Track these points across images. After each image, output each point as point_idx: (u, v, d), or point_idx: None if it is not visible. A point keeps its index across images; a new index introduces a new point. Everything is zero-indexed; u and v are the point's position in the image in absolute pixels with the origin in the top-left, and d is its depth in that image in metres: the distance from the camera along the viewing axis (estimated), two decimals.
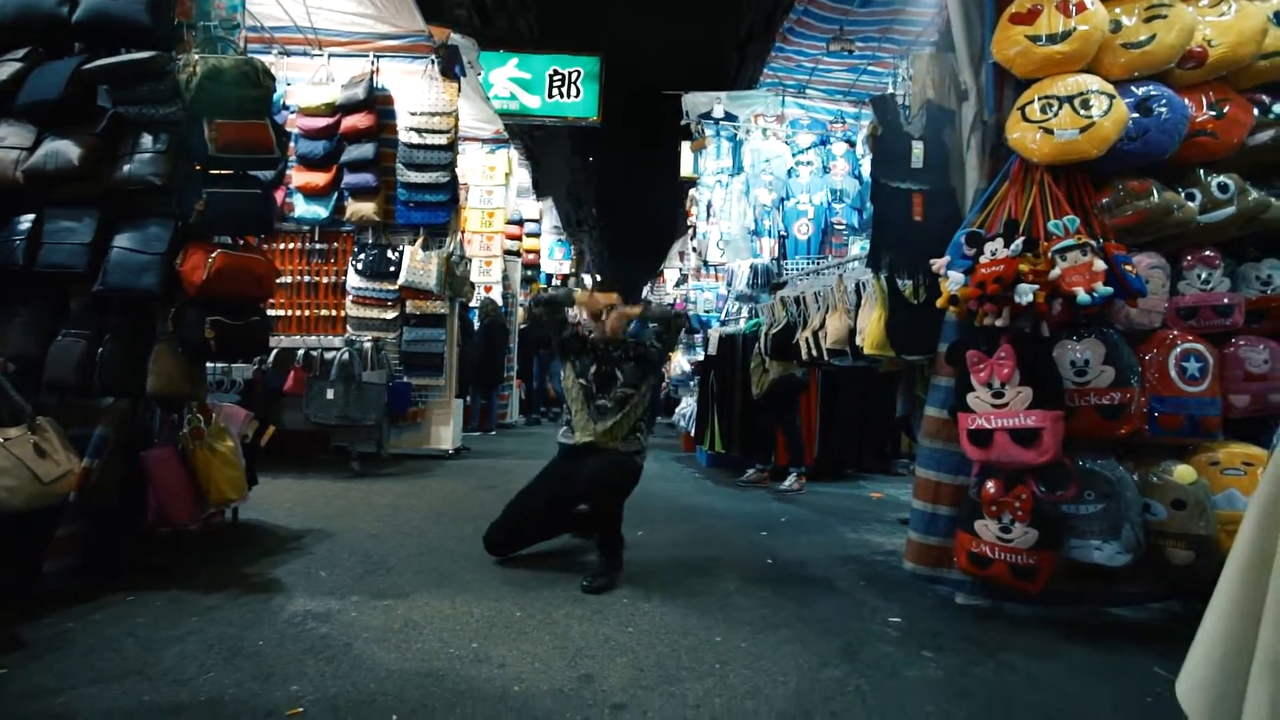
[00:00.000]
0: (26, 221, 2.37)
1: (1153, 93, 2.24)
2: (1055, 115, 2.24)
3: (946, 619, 2.51)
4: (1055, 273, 2.07)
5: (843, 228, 6.25)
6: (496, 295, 8.38)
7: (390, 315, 5.50)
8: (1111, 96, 2.21)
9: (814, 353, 3.41)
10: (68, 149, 2.31)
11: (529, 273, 11.12)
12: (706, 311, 7.07)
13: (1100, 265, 2.05)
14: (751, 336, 5.22)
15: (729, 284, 6.50)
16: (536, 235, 11.76)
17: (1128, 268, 2.12)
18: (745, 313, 5.91)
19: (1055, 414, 2.17)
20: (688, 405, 6.54)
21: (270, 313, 5.33)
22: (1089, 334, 2.23)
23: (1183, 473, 2.23)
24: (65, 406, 2.47)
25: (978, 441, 2.31)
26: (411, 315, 5.57)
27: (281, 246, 5.44)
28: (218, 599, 2.40)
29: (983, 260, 2.20)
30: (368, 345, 5.08)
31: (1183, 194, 2.29)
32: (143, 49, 2.39)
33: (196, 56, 2.39)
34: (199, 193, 2.39)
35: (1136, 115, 2.23)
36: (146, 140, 2.36)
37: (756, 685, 1.96)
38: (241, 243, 2.56)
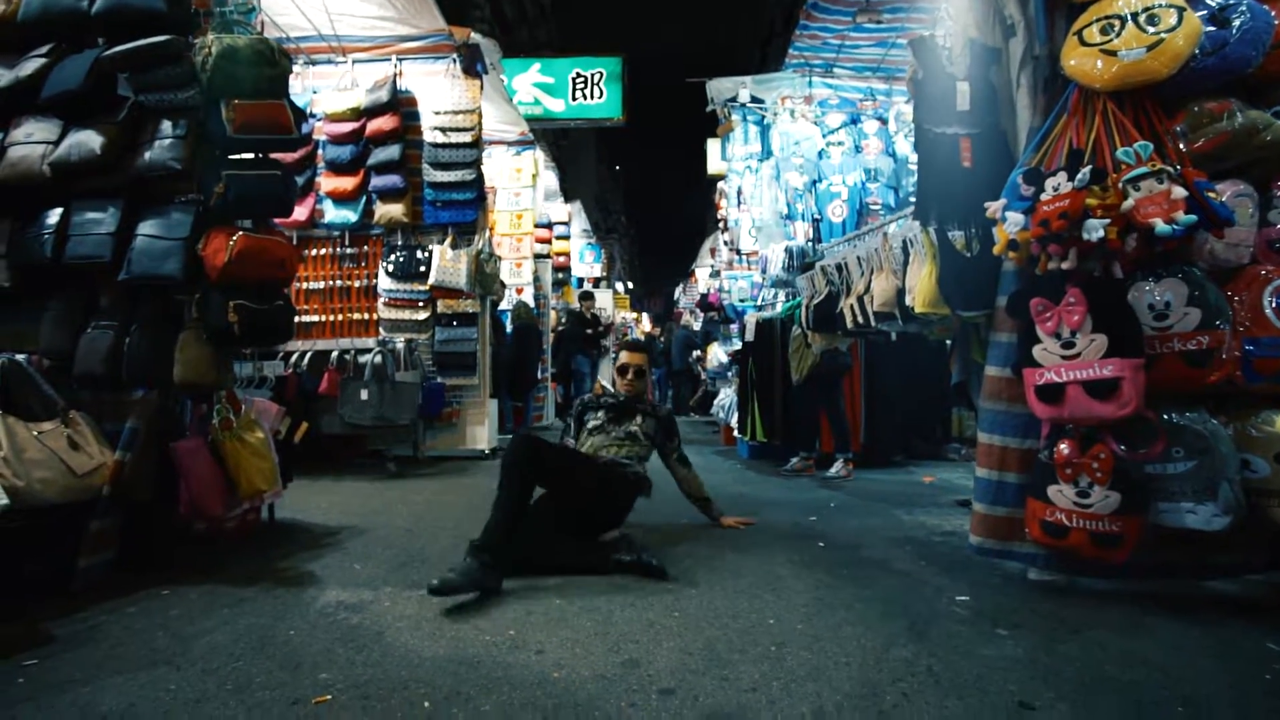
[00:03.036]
0: (54, 216, 2.38)
1: (1230, 1, 2.02)
2: (1118, 35, 2.04)
3: (1019, 596, 2.31)
4: (1128, 204, 1.87)
5: (878, 207, 6.03)
6: (528, 297, 8.35)
7: (422, 316, 5.48)
8: (1181, 9, 2.00)
9: (860, 320, 3.22)
10: (90, 139, 2.31)
11: (559, 275, 11.08)
12: (742, 300, 6.90)
13: (1180, 192, 1.84)
14: (789, 320, 5.04)
15: (763, 270, 6.33)
16: (566, 238, 11.73)
17: (1211, 194, 1.90)
18: (781, 298, 5.73)
19: (1135, 362, 1.96)
20: (726, 396, 6.37)
21: (305, 319, 5.40)
22: (1169, 274, 2.01)
23: None
24: (99, 401, 2.46)
25: (1047, 398, 2.11)
26: (443, 315, 5.54)
27: (313, 253, 5.48)
28: (251, 591, 2.34)
29: (1044, 198, 2.00)
30: (400, 346, 5.06)
31: (1269, 112, 2.05)
32: (161, 36, 2.37)
33: (212, 38, 2.36)
34: (219, 176, 2.36)
35: (1212, 28, 2.01)
36: (166, 126, 2.35)
37: (817, 667, 1.80)
38: (264, 226, 2.52)
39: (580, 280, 13.65)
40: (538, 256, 9.06)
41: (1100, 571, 2.29)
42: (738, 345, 6.53)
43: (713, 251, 11.04)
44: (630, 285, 32.05)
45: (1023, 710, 1.57)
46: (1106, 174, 1.95)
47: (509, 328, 7.94)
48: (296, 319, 5.23)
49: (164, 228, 2.33)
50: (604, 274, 15.83)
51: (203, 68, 2.33)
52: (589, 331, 9.35)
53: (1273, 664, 1.79)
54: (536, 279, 8.64)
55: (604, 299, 12.65)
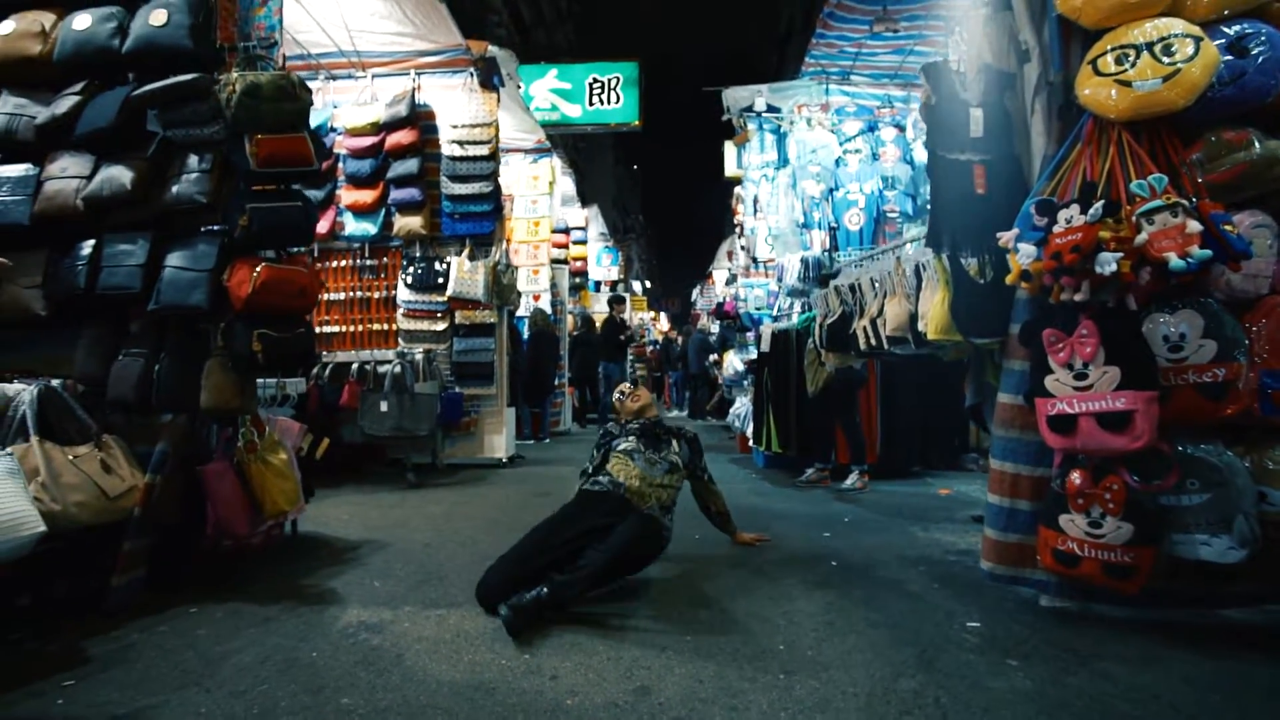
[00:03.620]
0: (87, 248, 2.48)
1: (1248, 30, 2.00)
2: (1133, 65, 2.03)
3: (1030, 624, 2.31)
4: (1141, 238, 1.86)
5: (896, 215, 5.99)
6: (545, 304, 8.42)
7: (440, 327, 5.57)
8: (1198, 39, 1.99)
9: (873, 342, 3.22)
10: (121, 174, 2.41)
11: (577, 280, 11.15)
12: (758, 309, 6.90)
13: (1195, 226, 1.83)
14: (805, 332, 5.03)
15: (779, 279, 6.32)
16: (583, 242, 11.79)
17: (1228, 228, 1.89)
18: (797, 308, 5.73)
19: (1148, 394, 1.95)
20: (742, 406, 6.38)
21: (325, 329, 5.51)
22: (1184, 305, 2.00)
23: None
24: (130, 425, 2.55)
25: (1059, 429, 2.11)
26: (461, 326, 5.63)
27: (334, 264, 5.59)
28: (275, 610, 2.42)
29: (1056, 229, 2.00)
30: (419, 357, 5.15)
31: None
32: (188, 73, 2.46)
33: (236, 75, 2.44)
34: (242, 208, 2.43)
35: (1230, 57, 1.99)
36: (192, 161, 2.44)
37: (825, 698, 1.82)
38: (285, 255, 2.60)
39: (597, 284, 13.72)
40: (555, 262, 9.13)
41: (1114, 599, 2.28)
42: (754, 354, 6.54)
43: (730, 254, 11.05)
44: (648, 285, 32.10)
45: None
46: (1120, 206, 1.95)
47: (526, 333, 8.02)
48: (318, 330, 5.39)
49: (190, 259, 2.42)
50: (621, 276, 15.89)
51: (227, 104, 2.41)
52: (620, 338, 9.33)
53: None
54: (553, 285, 8.71)
55: None
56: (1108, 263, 1.88)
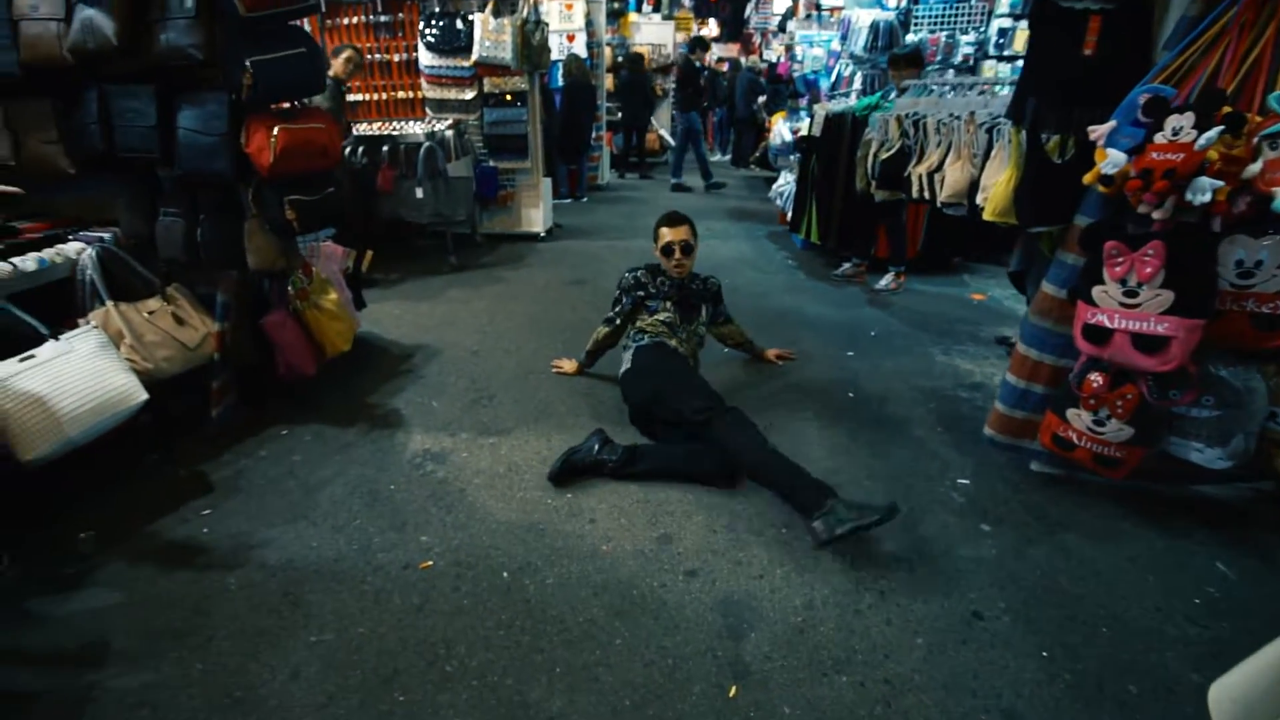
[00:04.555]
0: (94, 102, 2.32)
1: None
2: None
3: (1015, 484, 2.56)
4: (1254, 168, 1.62)
5: None
6: (580, 45, 7.53)
7: (468, 95, 5.18)
8: None
9: (926, 195, 2.98)
10: (102, 22, 2.13)
11: (615, 4, 9.71)
12: (814, 72, 6.12)
13: None
14: (862, 120, 4.57)
15: (843, 36, 5.50)
16: None
17: None
18: (859, 82, 5.09)
19: (1193, 323, 1.90)
20: (786, 183, 6.08)
21: (349, 97, 5.17)
22: (1276, 230, 1.82)
23: None
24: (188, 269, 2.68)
25: (1093, 338, 2.10)
26: (490, 95, 5.22)
27: (345, 21, 5.01)
28: (352, 435, 2.81)
29: (1158, 139, 1.73)
30: (449, 134, 4.90)
31: None
32: None
33: None
34: (242, 62, 2.18)
35: None
36: (174, 2, 2.11)
37: (817, 557, 2.17)
38: (300, 106, 2.40)
39: (638, 2, 11.92)
40: None
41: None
42: (804, 122, 6.00)
43: None
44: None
45: (974, 620, 1.95)
46: (1245, 121, 1.65)
47: (561, 80, 7.36)
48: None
49: (202, 120, 2.26)
50: None
51: None
52: (700, 83, 8.44)
53: (1206, 586, 2.06)
54: (589, 23, 7.68)
55: (662, 31, 11.15)
56: (1204, 191, 1.68)
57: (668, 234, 2.95)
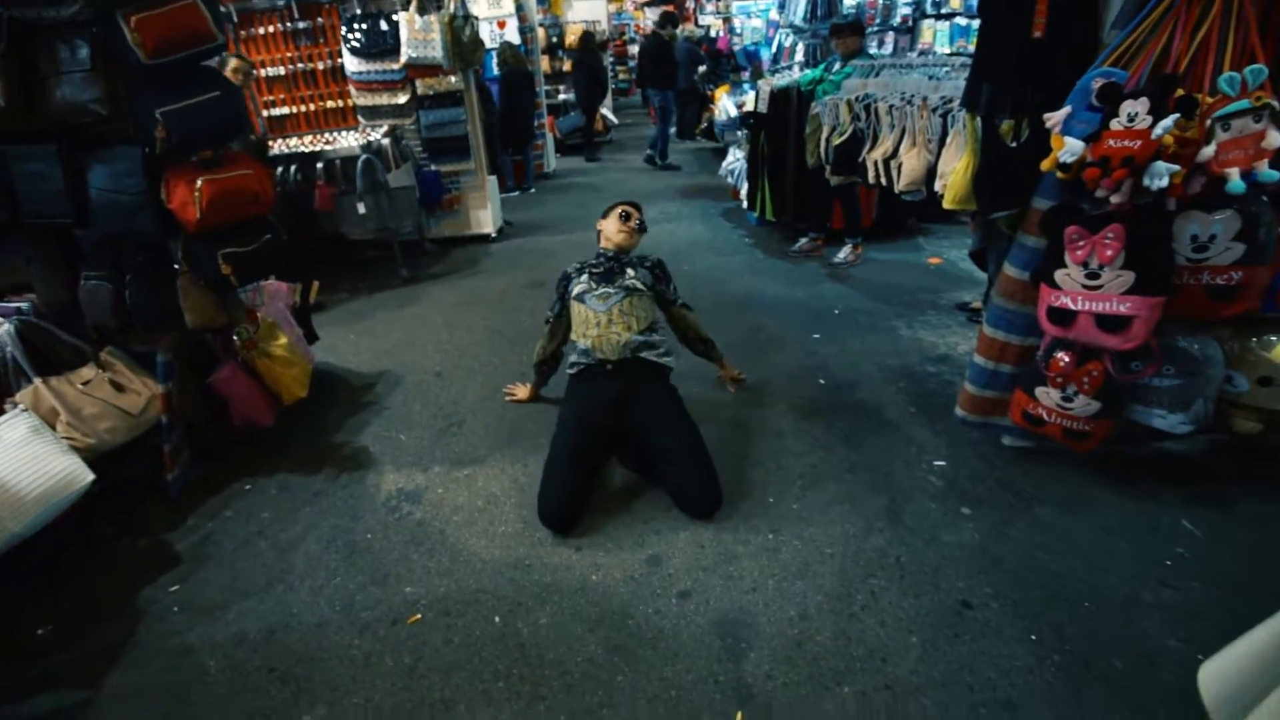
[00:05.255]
0: None
1: None
2: None
3: (990, 460, 2.61)
4: (1208, 151, 1.63)
5: None
6: (512, 31, 7.27)
7: (402, 99, 4.95)
8: None
9: (883, 181, 2.95)
10: None
11: None
12: (754, 43, 6.02)
13: (1276, 140, 1.59)
14: (808, 95, 4.52)
15: (781, 7, 5.41)
16: None
17: None
18: (801, 54, 5.03)
19: (1154, 301, 1.93)
20: (735, 160, 6.01)
21: (272, 112, 4.91)
22: (1229, 206, 1.84)
23: None
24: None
25: (1057, 320, 2.13)
26: (425, 97, 5.00)
27: (260, 31, 4.71)
28: (320, 482, 2.70)
29: (1114, 125, 1.73)
30: (386, 142, 4.69)
31: None
32: None
33: None
34: (150, 113, 2.00)
35: None
36: (65, 54, 1.91)
37: (806, 561, 2.19)
38: (223, 152, 2.22)
39: None
40: None
41: None
42: (749, 95, 5.92)
43: None
44: None
45: (963, 610, 1.98)
46: (1198, 105, 1.65)
47: (496, 70, 7.11)
48: (265, 114, 4.80)
49: (114, 179, 2.07)
50: None
51: None
52: (674, 61, 8.19)
53: (1177, 547, 2.14)
54: (519, 6, 7.40)
55: (595, 7, 10.82)
56: (1160, 176, 1.69)
57: (621, 207, 2.91)
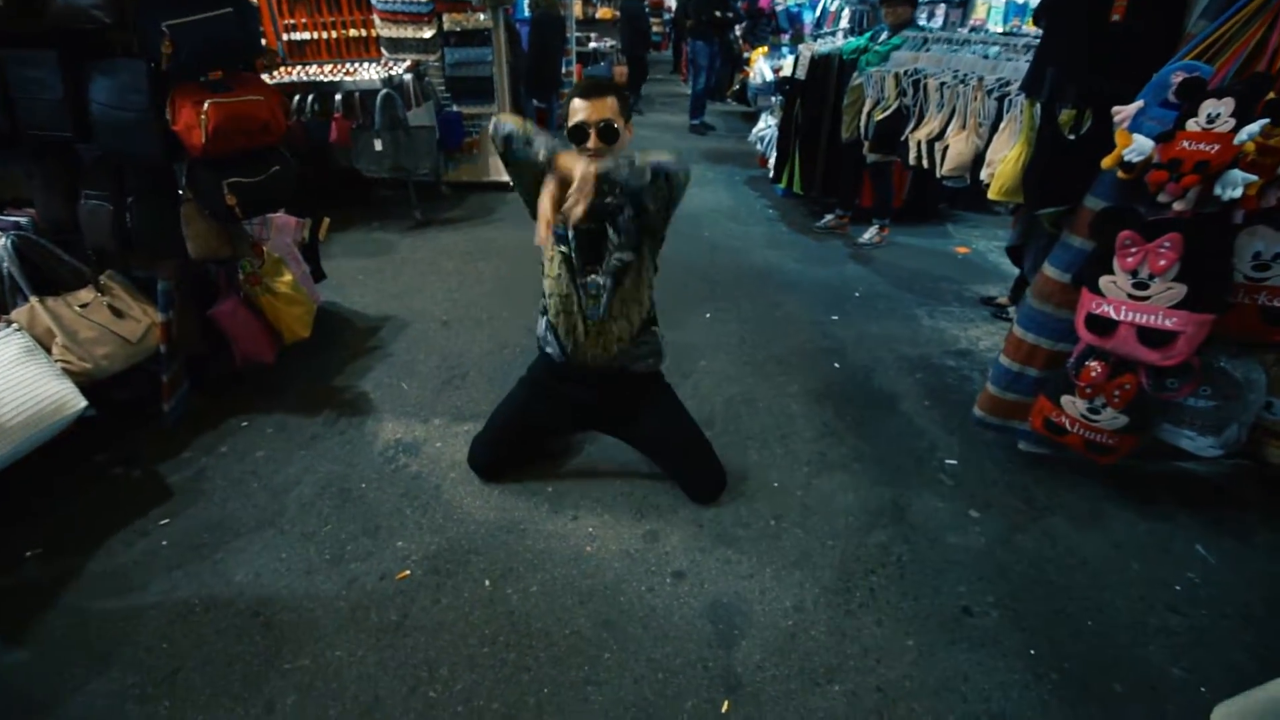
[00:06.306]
0: None
1: None
2: None
3: (1002, 465, 2.53)
4: None
5: None
6: None
7: (427, 34, 4.75)
8: None
9: (924, 163, 2.80)
10: None
11: None
12: (797, 4, 5.74)
13: None
14: (850, 64, 4.31)
15: None
16: None
17: None
18: (846, 20, 4.79)
19: (1203, 318, 1.82)
20: (766, 126, 5.80)
21: (293, 36, 4.72)
22: None
23: None
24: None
25: (1096, 329, 2.02)
26: (451, 33, 4.79)
27: None
28: (318, 425, 2.65)
29: (1190, 126, 1.59)
30: (408, 78, 4.51)
31: None
32: None
33: None
34: (158, 25, 1.87)
35: None
36: None
37: (806, 550, 2.13)
38: (235, 74, 2.09)
39: None
40: None
41: None
42: (786, 60, 5.67)
43: None
44: None
45: (963, 616, 1.94)
46: None
47: (527, 12, 6.83)
48: (285, 38, 4.62)
49: (116, 93, 1.95)
50: None
51: None
52: (717, 14, 7.63)
53: (1187, 572, 2.07)
54: None
55: None
56: (1234, 185, 1.56)
57: (581, 109, 1.87)
